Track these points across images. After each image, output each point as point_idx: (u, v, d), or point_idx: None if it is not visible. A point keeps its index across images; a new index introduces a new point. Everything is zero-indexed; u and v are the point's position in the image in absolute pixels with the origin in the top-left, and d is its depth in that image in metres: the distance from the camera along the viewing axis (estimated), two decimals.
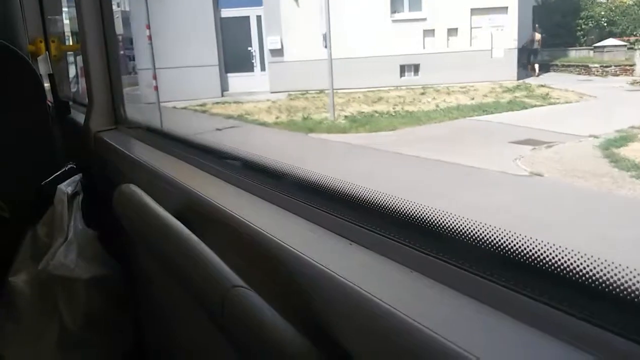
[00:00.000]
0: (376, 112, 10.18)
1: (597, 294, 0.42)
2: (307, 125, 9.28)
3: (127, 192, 1.00)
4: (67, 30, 3.28)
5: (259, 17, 15.19)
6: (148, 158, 1.26)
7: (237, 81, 15.09)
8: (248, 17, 15.27)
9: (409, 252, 0.58)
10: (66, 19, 3.26)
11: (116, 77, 1.80)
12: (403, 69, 13.63)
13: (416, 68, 14.07)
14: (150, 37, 9.34)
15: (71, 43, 3.20)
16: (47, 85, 2.30)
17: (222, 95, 14.52)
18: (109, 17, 1.78)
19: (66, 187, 1.43)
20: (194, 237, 0.75)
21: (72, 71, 3.29)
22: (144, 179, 1.20)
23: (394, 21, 13.88)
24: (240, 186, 0.94)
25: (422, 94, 12.09)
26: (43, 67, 2.49)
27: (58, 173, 1.54)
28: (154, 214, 0.85)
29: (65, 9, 3.25)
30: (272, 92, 14.18)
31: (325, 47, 10.33)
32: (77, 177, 1.52)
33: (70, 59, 3.20)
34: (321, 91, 13.38)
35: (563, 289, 0.45)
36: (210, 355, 0.99)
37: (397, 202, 0.64)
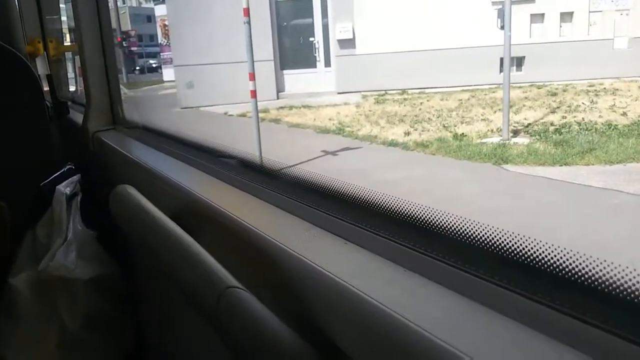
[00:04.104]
0: (553, 124, 7.46)
1: (593, 293, 0.42)
2: (476, 149, 6.50)
3: (122, 193, 1.00)
4: (64, 27, 3.27)
5: (323, 0, 12.28)
6: (145, 158, 1.26)
7: (296, 80, 12.35)
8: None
9: (403, 250, 0.58)
10: (64, 16, 3.24)
11: (113, 77, 1.80)
12: (503, 63, 11.10)
13: (519, 61, 11.58)
14: (247, 12, 6.08)
15: (69, 40, 3.19)
16: (45, 85, 2.30)
17: (277, 97, 11.87)
18: (106, 17, 1.79)
19: (65, 188, 1.43)
20: (188, 238, 0.75)
21: (70, 70, 3.28)
22: (142, 179, 1.20)
23: (494, 3, 10.79)
24: (236, 185, 0.94)
25: (552, 94, 9.90)
26: (41, 68, 2.49)
27: (57, 174, 1.55)
28: (149, 215, 0.85)
29: (62, 5, 3.23)
30: (338, 93, 11.80)
31: (501, 27, 7.44)
32: (75, 177, 1.52)
33: (69, 55, 3.19)
34: (404, 91, 11.40)
35: (558, 288, 0.45)
36: (211, 354, 0.99)
37: (391, 201, 0.64)
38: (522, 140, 6.95)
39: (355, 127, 8.48)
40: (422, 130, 7.88)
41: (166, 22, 15.14)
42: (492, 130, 7.55)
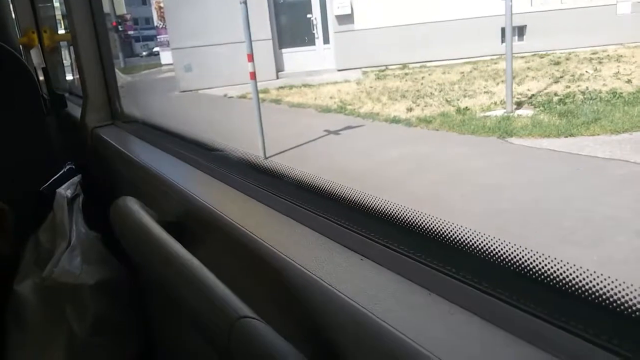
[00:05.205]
0: (557, 95, 7.27)
1: (589, 305, 0.41)
2: (479, 123, 6.38)
3: (122, 207, 0.95)
4: (57, 13, 3.19)
5: None
6: (146, 158, 1.22)
7: (295, 58, 12.22)
8: None
9: (425, 270, 0.54)
10: (56, 2, 3.16)
11: (110, 69, 1.74)
12: (504, 33, 9.76)
13: (521, 31, 11.46)
14: None
15: (63, 28, 3.10)
16: (41, 78, 2.25)
17: (277, 77, 11.73)
18: (99, 8, 1.72)
19: (65, 191, 1.39)
20: (195, 262, 0.71)
21: (66, 59, 3.21)
22: (142, 180, 1.16)
23: None
24: (240, 189, 0.89)
25: (555, 63, 9.70)
26: (36, 60, 2.43)
27: (56, 176, 1.50)
28: (152, 236, 0.81)
29: None
30: (338, 70, 11.68)
31: None
32: (76, 178, 1.48)
33: (64, 43, 3.12)
34: (404, 65, 11.28)
35: (564, 303, 0.43)
36: None
37: (411, 215, 0.59)
38: (526, 112, 6.84)
39: (357, 104, 8.35)
40: (425, 106, 7.75)
41: (161, 4, 14.97)
42: (495, 103, 7.43)
